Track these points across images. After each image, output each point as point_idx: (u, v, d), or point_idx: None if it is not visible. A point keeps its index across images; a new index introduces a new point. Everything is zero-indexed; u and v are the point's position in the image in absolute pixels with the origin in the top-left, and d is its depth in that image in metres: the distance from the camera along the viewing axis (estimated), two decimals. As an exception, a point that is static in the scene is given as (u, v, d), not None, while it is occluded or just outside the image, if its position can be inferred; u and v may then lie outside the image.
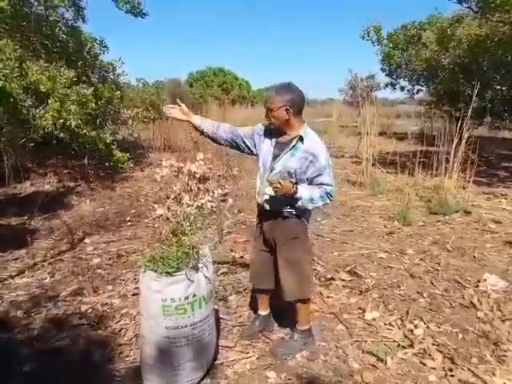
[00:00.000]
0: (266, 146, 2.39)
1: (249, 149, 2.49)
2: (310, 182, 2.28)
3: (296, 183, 2.22)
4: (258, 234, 2.56)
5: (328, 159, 2.25)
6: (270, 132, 2.39)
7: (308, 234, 2.54)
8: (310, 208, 2.30)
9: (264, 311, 2.79)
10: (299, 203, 2.25)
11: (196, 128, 2.51)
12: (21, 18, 6.17)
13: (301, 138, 2.25)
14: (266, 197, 2.34)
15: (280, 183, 2.10)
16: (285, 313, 2.84)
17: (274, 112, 2.24)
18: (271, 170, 2.32)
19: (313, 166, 2.24)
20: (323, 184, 2.25)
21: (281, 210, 2.35)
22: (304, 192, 2.22)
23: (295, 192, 2.18)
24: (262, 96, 29.50)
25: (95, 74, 8.14)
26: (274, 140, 2.36)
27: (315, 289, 2.66)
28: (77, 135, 6.05)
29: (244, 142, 2.48)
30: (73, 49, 7.10)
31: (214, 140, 2.53)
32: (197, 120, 2.50)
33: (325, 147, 2.31)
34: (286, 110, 2.21)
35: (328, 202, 2.30)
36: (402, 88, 17.49)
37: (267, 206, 2.38)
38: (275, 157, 2.32)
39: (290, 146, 2.27)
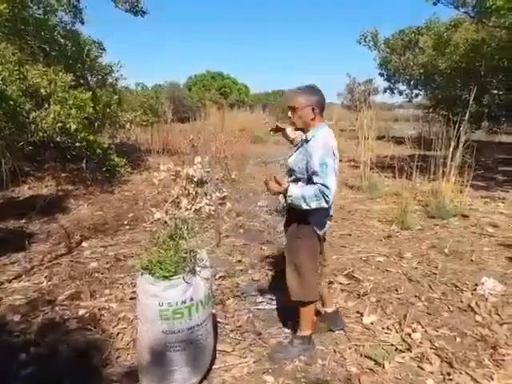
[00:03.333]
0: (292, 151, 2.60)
1: None
2: (310, 180, 2.30)
3: (294, 181, 2.36)
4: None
5: (323, 160, 2.22)
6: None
7: (315, 238, 2.44)
8: (305, 207, 2.24)
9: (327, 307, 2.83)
10: (290, 201, 2.30)
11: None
12: (20, 22, 6.18)
13: (309, 137, 2.36)
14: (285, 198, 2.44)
15: (266, 181, 2.35)
16: (288, 316, 2.85)
17: (299, 111, 2.36)
18: (292, 171, 2.46)
19: (309, 165, 2.27)
20: (317, 183, 2.22)
21: (296, 210, 2.37)
22: (294, 190, 2.27)
23: (285, 190, 2.30)
24: (260, 100, 29.60)
25: (93, 78, 8.16)
26: (290, 142, 2.74)
27: (318, 293, 2.61)
28: (75, 139, 6.06)
29: None
30: (71, 52, 7.11)
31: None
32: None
33: (326, 147, 2.27)
34: (312, 109, 2.34)
35: (323, 203, 2.20)
36: (401, 92, 17.60)
37: (288, 205, 2.47)
38: (291, 155, 2.53)
39: (300, 144, 2.47)
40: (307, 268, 2.44)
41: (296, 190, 2.27)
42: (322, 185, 2.19)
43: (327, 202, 2.21)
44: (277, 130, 2.89)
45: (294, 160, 2.44)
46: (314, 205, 2.22)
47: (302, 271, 2.42)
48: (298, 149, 2.47)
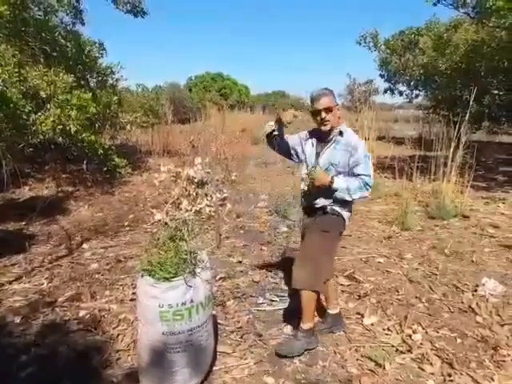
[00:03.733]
0: (309, 148, 2.63)
1: (297, 155, 2.73)
2: (351, 173, 2.45)
3: (336, 175, 2.43)
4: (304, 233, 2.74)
5: (366, 152, 2.47)
6: (311, 135, 2.66)
7: (341, 233, 2.64)
8: (348, 199, 2.44)
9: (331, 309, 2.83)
10: (336, 194, 2.42)
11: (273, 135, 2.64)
12: (20, 23, 6.19)
13: (340, 133, 2.51)
14: (316, 199, 2.54)
15: (312, 173, 2.41)
16: (288, 317, 2.86)
17: (333, 111, 2.46)
18: (314, 168, 2.49)
19: (352, 157, 2.44)
20: (360, 174, 2.41)
21: (325, 205, 2.52)
22: (340, 182, 2.39)
23: (331, 182, 2.37)
24: (261, 101, 29.60)
25: (94, 79, 8.17)
26: (314, 140, 2.63)
27: (325, 288, 2.64)
28: (75, 140, 6.07)
29: (294, 149, 2.71)
30: (72, 53, 7.12)
31: (274, 147, 2.71)
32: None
33: (363, 142, 2.53)
34: (338, 108, 2.52)
35: (366, 193, 2.45)
36: (401, 93, 17.59)
37: (312, 203, 2.57)
38: (318, 154, 2.57)
39: (332, 140, 2.53)
40: (325, 260, 2.49)
41: (342, 183, 2.40)
42: (367, 175, 2.43)
43: (368, 192, 2.47)
44: (280, 120, 2.65)
45: (331, 156, 2.51)
46: (357, 196, 2.44)
47: (319, 263, 2.42)
48: (325, 147, 2.55)
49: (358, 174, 2.43)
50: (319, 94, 2.49)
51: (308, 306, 2.50)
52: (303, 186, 2.62)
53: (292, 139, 2.71)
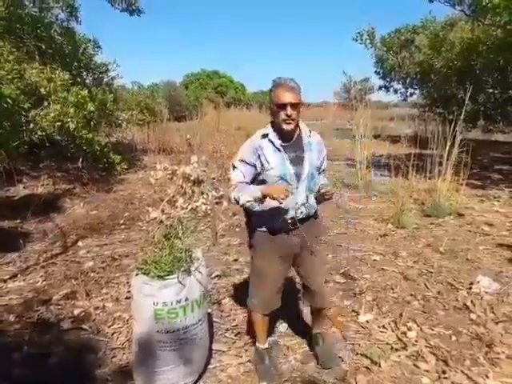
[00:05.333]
0: (276, 158, 2.07)
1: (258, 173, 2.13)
2: (321, 170, 2.28)
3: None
4: (272, 251, 2.20)
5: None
6: (269, 141, 2.09)
7: None
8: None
9: (267, 342, 2.50)
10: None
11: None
12: (15, 20, 6.15)
13: (310, 132, 2.19)
14: (303, 208, 2.14)
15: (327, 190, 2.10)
16: (283, 315, 2.85)
17: (300, 108, 2.05)
18: (299, 177, 2.09)
19: (321, 155, 2.25)
20: (325, 170, 2.34)
21: (315, 210, 2.27)
22: (327, 186, 2.21)
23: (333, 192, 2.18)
24: (257, 98, 29.56)
25: (89, 76, 8.14)
26: (278, 144, 2.08)
27: None
28: (73, 137, 6.05)
29: (254, 174, 2.13)
30: (68, 50, 7.09)
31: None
32: None
33: None
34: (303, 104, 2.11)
35: None
36: (396, 91, 17.62)
37: (305, 215, 2.16)
38: (294, 161, 2.09)
39: (305, 143, 2.14)
40: None
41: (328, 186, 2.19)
42: (326, 170, 2.35)
43: None
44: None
45: (313, 160, 2.14)
46: None
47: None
48: (301, 152, 2.11)
49: (324, 170, 2.32)
50: (289, 85, 2.03)
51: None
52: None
53: (249, 172, 2.10)
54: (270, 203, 1.99)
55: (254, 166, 2.08)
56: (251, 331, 2.57)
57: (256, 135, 2.14)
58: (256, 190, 2.00)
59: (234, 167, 2.12)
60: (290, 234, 2.16)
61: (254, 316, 2.37)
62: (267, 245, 2.20)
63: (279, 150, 2.07)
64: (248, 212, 2.26)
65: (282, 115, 2.01)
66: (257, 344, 2.46)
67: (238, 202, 2.05)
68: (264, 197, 1.95)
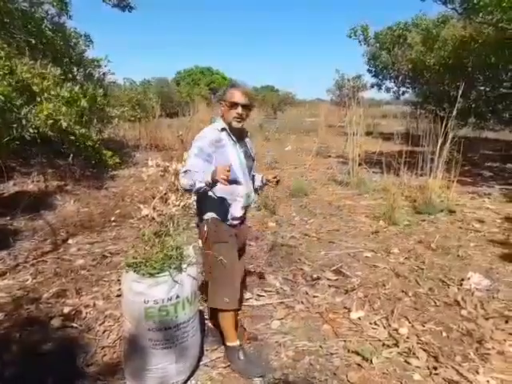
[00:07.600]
0: (232, 151, 2.29)
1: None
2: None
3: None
4: (233, 240, 2.37)
5: None
6: (227, 134, 2.29)
7: None
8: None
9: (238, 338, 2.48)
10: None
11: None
12: (5, 15, 6.04)
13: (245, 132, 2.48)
14: (253, 195, 2.48)
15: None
16: (275, 313, 2.84)
17: (249, 111, 2.35)
18: (249, 169, 2.43)
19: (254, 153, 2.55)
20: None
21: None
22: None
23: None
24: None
25: (80, 72, 8.04)
26: (234, 139, 2.32)
27: None
28: (67, 134, 5.98)
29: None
30: (59, 45, 6.99)
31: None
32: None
33: None
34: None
35: None
36: (388, 89, 17.67)
37: (254, 201, 2.54)
38: (245, 155, 2.39)
39: (247, 141, 2.49)
40: None
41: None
42: None
43: None
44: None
45: (252, 155, 2.51)
46: None
47: None
48: (246, 147, 2.45)
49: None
50: (244, 88, 2.27)
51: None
52: (246, 191, 2.34)
53: (202, 164, 2.15)
54: (220, 188, 2.12)
55: (210, 157, 2.20)
56: (220, 331, 2.50)
57: (211, 128, 2.32)
58: (206, 175, 2.05)
59: (190, 158, 2.21)
60: (242, 226, 2.48)
61: (226, 315, 2.36)
62: (226, 233, 2.33)
63: (235, 144, 2.33)
64: (201, 202, 2.34)
65: (234, 113, 2.24)
66: (228, 343, 2.42)
67: (192, 188, 2.07)
68: (214, 181, 2.02)
